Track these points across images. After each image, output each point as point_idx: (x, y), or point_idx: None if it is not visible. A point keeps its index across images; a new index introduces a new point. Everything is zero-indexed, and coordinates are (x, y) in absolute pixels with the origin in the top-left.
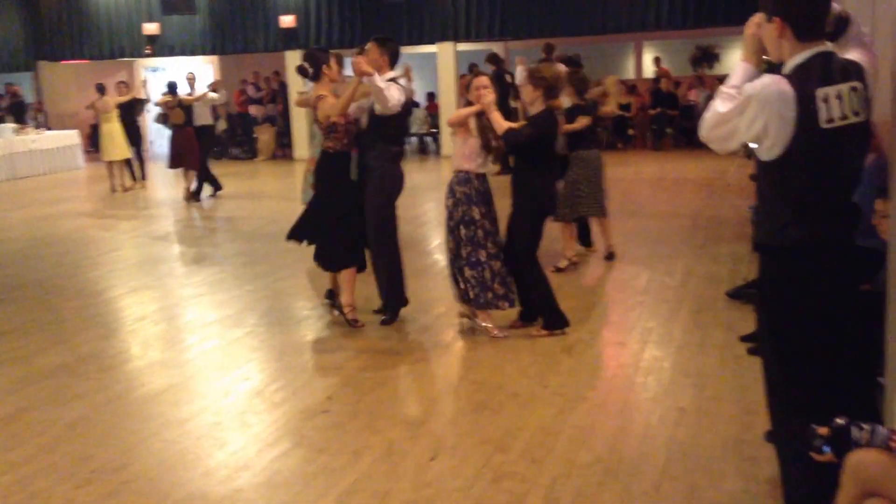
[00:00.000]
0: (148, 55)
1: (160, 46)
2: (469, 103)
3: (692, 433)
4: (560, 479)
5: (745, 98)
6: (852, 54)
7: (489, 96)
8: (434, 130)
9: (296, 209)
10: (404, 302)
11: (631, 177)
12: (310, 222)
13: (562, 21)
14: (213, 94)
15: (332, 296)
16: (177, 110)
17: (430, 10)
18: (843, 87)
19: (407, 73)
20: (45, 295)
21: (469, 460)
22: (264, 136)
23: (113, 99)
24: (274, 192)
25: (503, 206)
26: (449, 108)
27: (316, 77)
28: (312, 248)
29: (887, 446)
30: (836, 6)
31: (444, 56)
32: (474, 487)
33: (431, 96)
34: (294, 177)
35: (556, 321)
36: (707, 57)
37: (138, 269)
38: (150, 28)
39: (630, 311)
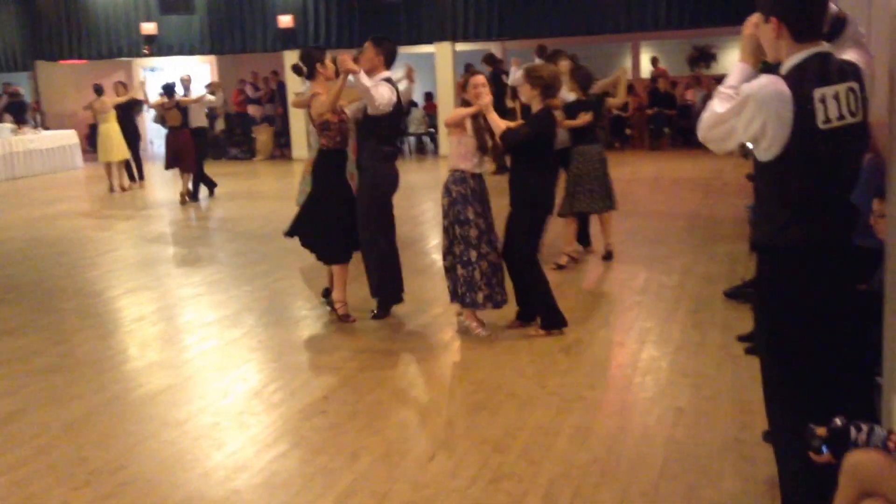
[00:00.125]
0: (146, 55)
1: (158, 46)
2: (466, 102)
3: (690, 433)
4: (558, 480)
5: (743, 98)
6: (849, 55)
7: (486, 97)
8: (432, 130)
9: (294, 209)
10: (397, 299)
11: (628, 177)
12: (307, 219)
13: (559, 21)
14: (210, 97)
15: (328, 294)
16: (173, 111)
17: (429, 10)
18: (841, 88)
19: (409, 74)
20: (43, 295)
21: (467, 461)
22: (262, 136)
23: (111, 99)
24: (272, 192)
25: (500, 205)
26: (447, 108)
27: (311, 76)
28: (314, 256)
29: (885, 447)
30: (833, 6)
31: (442, 56)
32: (473, 488)
33: (429, 96)
34: (292, 177)
35: (554, 321)
36: (704, 57)
37: (136, 269)
38: (148, 28)
39: (628, 311)
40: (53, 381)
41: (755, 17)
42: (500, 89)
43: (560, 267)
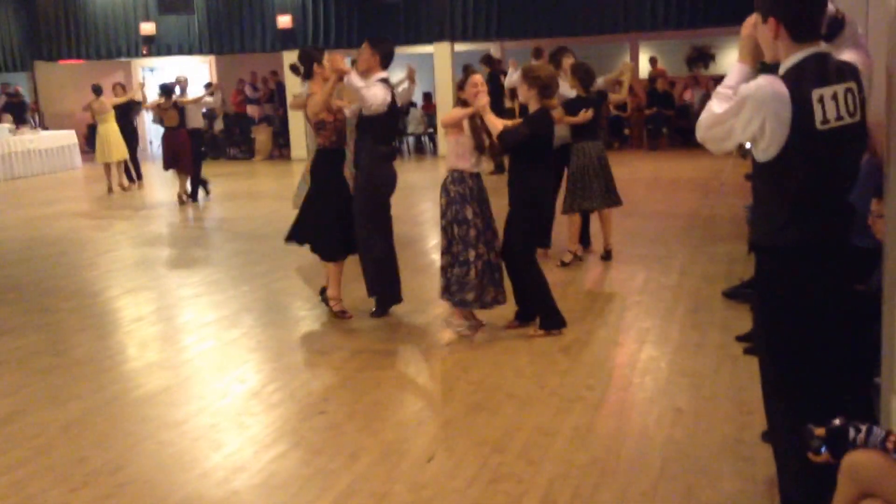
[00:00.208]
0: (145, 55)
1: (157, 46)
2: (463, 102)
3: (689, 433)
4: (557, 480)
5: (741, 99)
6: (847, 55)
7: (483, 99)
8: (431, 130)
9: (292, 213)
10: (396, 299)
11: (627, 176)
12: (306, 221)
13: (558, 21)
14: (208, 98)
15: (325, 293)
16: (171, 112)
17: (427, 10)
18: (839, 88)
19: (411, 76)
20: (42, 296)
21: (466, 461)
22: (261, 136)
23: (110, 100)
24: (271, 192)
25: (499, 205)
26: (446, 108)
27: (308, 76)
28: (309, 247)
29: (884, 447)
30: (831, 7)
31: (441, 56)
32: (472, 488)
33: (428, 96)
34: (291, 177)
35: (553, 321)
36: (703, 57)
37: (135, 269)
38: (147, 28)
39: (627, 311)
40: (52, 381)
41: (753, 18)
42: (498, 90)
43: (564, 264)
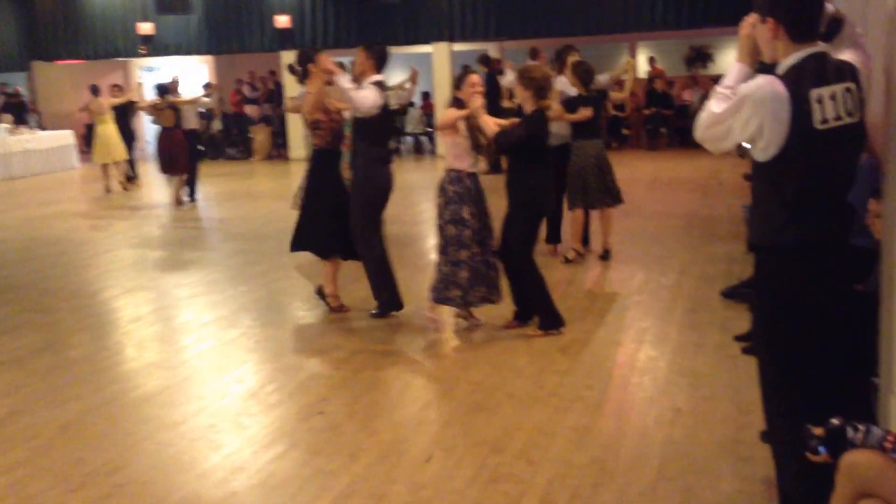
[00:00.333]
0: (143, 55)
1: (155, 46)
2: (457, 100)
3: (688, 433)
4: (556, 480)
5: (740, 99)
6: (846, 55)
7: (477, 101)
8: (429, 130)
9: (293, 216)
10: (398, 305)
11: (625, 176)
12: (303, 222)
13: (556, 21)
14: (204, 99)
15: (321, 291)
16: (167, 112)
17: (426, 10)
18: (837, 88)
19: (413, 77)
20: (40, 296)
21: (465, 462)
22: (259, 137)
23: (108, 101)
24: (269, 192)
25: (495, 205)
26: (444, 108)
27: (305, 76)
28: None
29: (882, 447)
30: (829, 7)
31: (440, 56)
32: (471, 489)
33: (426, 96)
34: (290, 177)
35: (551, 321)
36: (701, 57)
37: (133, 269)
38: (145, 28)
39: (625, 311)
40: (50, 381)
41: (752, 18)
42: (495, 90)
43: (568, 261)
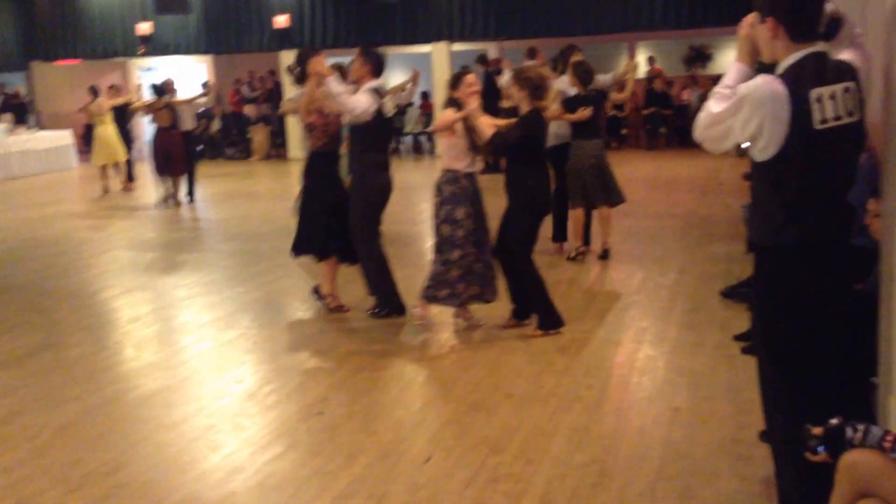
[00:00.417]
0: (141, 55)
1: (154, 46)
2: (453, 100)
3: (687, 433)
4: (555, 480)
5: (739, 98)
6: (845, 55)
7: (473, 103)
8: (428, 130)
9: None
10: (401, 309)
11: (625, 176)
12: (304, 230)
13: (556, 21)
14: (200, 99)
15: (318, 291)
16: (163, 112)
17: (425, 10)
18: (837, 88)
19: (415, 79)
20: (38, 296)
21: (464, 462)
22: (258, 136)
23: (107, 102)
24: (268, 192)
25: (493, 205)
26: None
27: (302, 77)
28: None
29: (881, 447)
30: (829, 6)
31: (439, 56)
32: (470, 489)
33: (425, 96)
34: (289, 177)
35: (551, 321)
36: (700, 57)
37: (131, 270)
38: (144, 28)
39: (624, 311)
40: (48, 382)
41: (751, 18)
42: (492, 90)
43: (571, 259)
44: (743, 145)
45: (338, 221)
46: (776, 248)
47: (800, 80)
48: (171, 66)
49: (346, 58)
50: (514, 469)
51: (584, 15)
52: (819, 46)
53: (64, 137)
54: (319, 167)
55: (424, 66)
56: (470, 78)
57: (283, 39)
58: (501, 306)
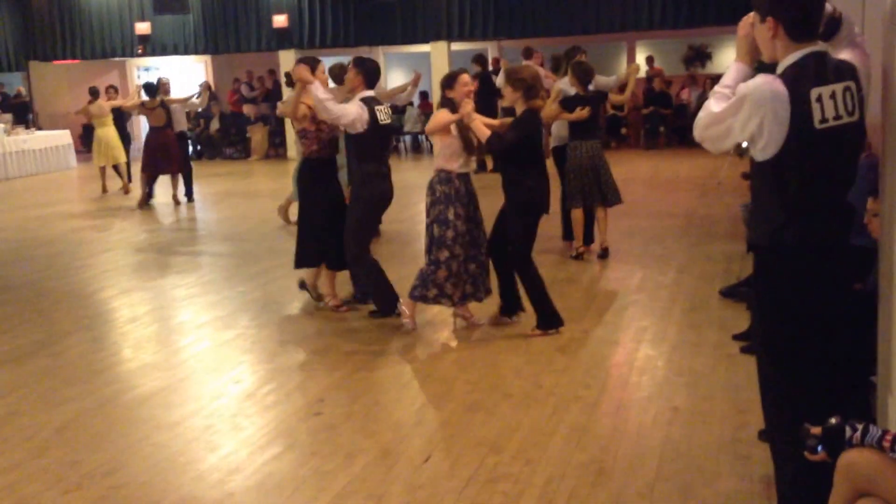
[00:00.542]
0: (140, 55)
1: (152, 46)
2: (447, 100)
3: (686, 432)
4: (554, 480)
5: (739, 98)
6: (844, 54)
7: (468, 105)
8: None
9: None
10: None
11: (624, 176)
12: (302, 241)
13: (554, 21)
14: (194, 100)
15: (304, 286)
16: (158, 111)
17: (424, 9)
18: (837, 87)
19: (415, 81)
20: (36, 296)
21: (463, 462)
22: (257, 136)
23: (108, 103)
24: (267, 192)
25: (485, 203)
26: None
27: (293, 82)
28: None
29: (880, 446)
30: (828, 6)
31: (438, 56)
32: (469, 489)
33: (425, 95)
34: (288, 177)
35: (550, 321)
36: (699, 56)
37: (130, 270)
38: (142, 27)
39: (624, 310)
40: (46, 383)
41: (751, 17)
42: (489, 90)
43: (574, 258)
44: (743, 145)
45: (332, 227)
46: (776, 248)
47: (800, 80)
48: (169, 66)
49: (346, 57)
50: (513, 469)
51: (584, 14)
52: (819, 46)
53: (62, 137)
54: (311, 173)
55: (423, 66)
56: (465, 78)
57: (282, 39)
58: (492, 303)
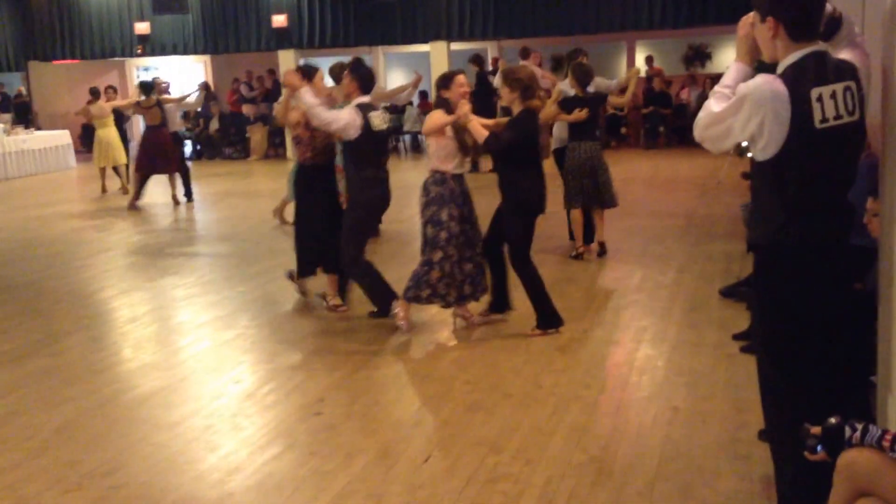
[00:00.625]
0: (139, 55)
1: (152, 46)
2: (444, 101)
3: (686, 432)
4: (554, 480)
5: (740, 98)
6: (844, 54)
7: (465, 107)
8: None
9: (288, 210)
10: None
11: (624, 176)
12: (305, 253)
13: (554, 20)
14: (189, 100)
15: (292, 277)
16: (154, 110)
17: (423, 9)
18: (838, 87)
19: (415, 83)
20: (35, 297)
21: (463, 461)
22: (256, 136)
23: (109, 104)
24: (267, 191)
25: (479, 204)
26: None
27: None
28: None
29: (880, 446)
30: (828, 6)
31: (437, 55)
32: (468, 488)
33: (424, 95)
34: (287, 176)
35: (550, 320)
36: (699, 56)
37: (129, 270)
38: (142, 27)
39: (624, 310)
40: (45, 383)
41: (751, 17)
42: (486, 90)
43: (574, 257)
44: (743, 144)
45: (329, 232)
46: (776, 248)
47: (800, 80)
48: (169, 66)
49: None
50: (512, 469)
51: (584, 14)
52: (819, 46)
53: (62, 137)
54: (305, 180)
55: (423, 66)
56: (461, 78)
57: (282, 39)
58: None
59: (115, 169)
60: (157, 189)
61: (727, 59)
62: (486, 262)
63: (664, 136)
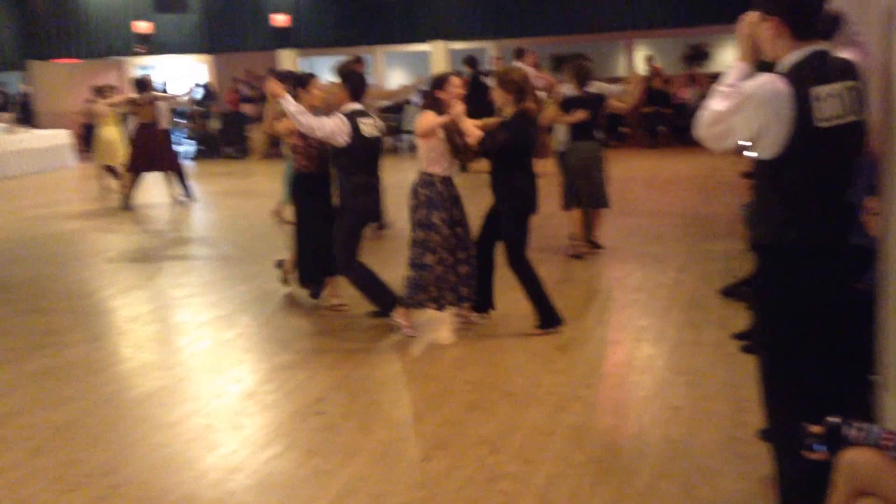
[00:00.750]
0: (140, 54)
1: (152, 45)
2: (436, 101)
3: (686, 432)
4: (554, 480)
5: (742, 97)
6: (845, 53)
7: (458, 107)
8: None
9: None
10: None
11: (624, 175)
12: (306, 261)
13: (553, 20)
14: (182, 98)
15: (281, 265)
16: (148, 107)
17: (423, 9)
18: (839, 86)
19: (416, 85)
20: (35, 296)
21: (463, 461)
22: (257, 135)
23: (105, 100)
24: (267, 191)
25: (469, 206)
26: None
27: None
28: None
29: (880, 445)
30: (829, 6)
31: (437, 55)
32: (469, 488)
33: (425, 94)
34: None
35: (549, 320)
36: (699, 55)
37: (129, 269)
38: (142, 27)
39: (624, 310)
40: (45, 382)
41: (752, 16)
42: (480, 91)
43: (574, 257)
44: (744, 144)
45: (328, 237)
46: (777, 247)
47: (802, 79)
48: (169, 66)
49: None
50: (512, 468)
51: (583, 14)
52: (821, 45)
53: (62, 136)
54: (301, 189)
55: (423, 66)
56: (455, 80)
57: (282, 39)
58: (501, 307)
59: (112, 168)
60: (155, 189)
61: (727, 58)
62: (478, 262)
63: (664, 135)
